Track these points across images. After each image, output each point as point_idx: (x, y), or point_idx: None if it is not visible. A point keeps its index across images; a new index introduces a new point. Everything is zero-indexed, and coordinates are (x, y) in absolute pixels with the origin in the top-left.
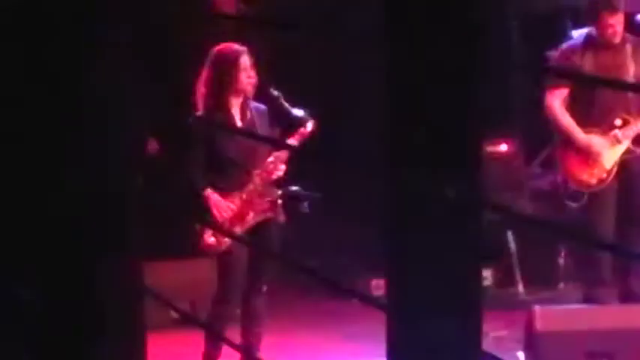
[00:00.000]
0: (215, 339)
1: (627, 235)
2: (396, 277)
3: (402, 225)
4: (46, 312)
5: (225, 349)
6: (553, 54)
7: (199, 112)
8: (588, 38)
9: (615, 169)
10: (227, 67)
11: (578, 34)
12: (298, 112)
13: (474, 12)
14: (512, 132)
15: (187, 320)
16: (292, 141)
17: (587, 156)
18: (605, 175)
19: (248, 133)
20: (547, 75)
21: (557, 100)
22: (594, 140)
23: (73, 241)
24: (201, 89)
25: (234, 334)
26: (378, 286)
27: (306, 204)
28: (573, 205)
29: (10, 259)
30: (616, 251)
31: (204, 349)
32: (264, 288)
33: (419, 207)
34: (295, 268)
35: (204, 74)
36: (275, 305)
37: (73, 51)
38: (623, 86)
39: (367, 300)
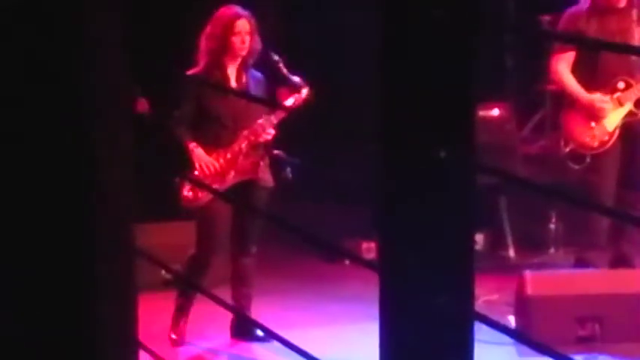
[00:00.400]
0: (186, 294)
1: (626, 198)
2: (389, 239)
3: (394, 187)
4: (39, 274)
5: (217, 310)
6: (546, 18)
7: (196, 68)
8: (594, 3)
9: (617, 132)
10: (222, 28)
11: None
12: (296, 79)
13: None
14: (504, 96)
15: (179, 281)
16: (285, 103)
17: (590, 117)
18: (606, 138)
19: (239, 92)
20: (542, 39)
21: (563, 64)
22: (596, 97)
23: (69, 207)
24: (202, 44)
25: (224, 294)
26: (369, 249)
27: (289, 170)
28: (575, 166)
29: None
30: (613, 215)
31: (177, 302)
32: (254, 249)
33: (411, 169)
34: (286, 228)
35: (207, 30)
36: (265, 267)
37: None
38: (624, 49)
39: (360, 261)
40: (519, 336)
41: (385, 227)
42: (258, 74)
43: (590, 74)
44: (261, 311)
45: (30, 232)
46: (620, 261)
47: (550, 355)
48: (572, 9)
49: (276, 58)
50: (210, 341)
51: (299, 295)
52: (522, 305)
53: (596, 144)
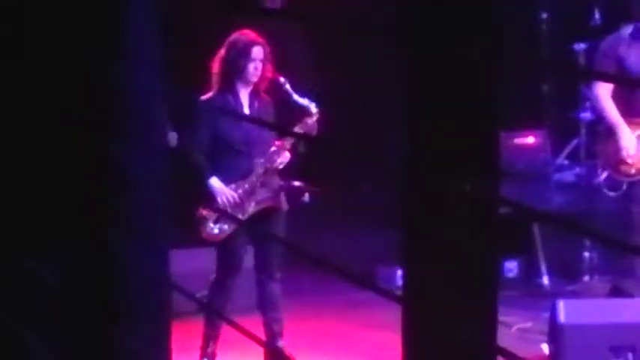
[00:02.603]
0: (213, 323)
1: None
2: (413, 270)
3: (418, 220)
4: (74, 297)
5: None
6: (584, 46)
7: (209, 93)
8: (636, 30)
9: None
10: (238, 54)
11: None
12: (304, 101)
13: (499, 6)
14: (540, 124)
15: (204, 308)
16: (297, 129)
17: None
18: None
19: (254, 119)
20: (574, 72)
21: (604, 90)
22: (635, 136)
23: (105, 226)
24: (215, 68)
25: (256, 324)
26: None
27: (307, 195)
28: (611, 194)
29: (37, 239)
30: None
31: (204, 330)
32: (278, 275)
33: (436, 202)
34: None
35: (221, 54)
36: (301, 294)
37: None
38: None
39: (382, 292)
40: None
41: (410, 259)
42: (267, 98)
43: (629, 102)
44: (296, 338)
45: (66, 261)
46: None
47: None
48: (614, 35)
49: (282, 80)
50: None
51: (335, 323)
52: (556, 333)
53: (633, 172)
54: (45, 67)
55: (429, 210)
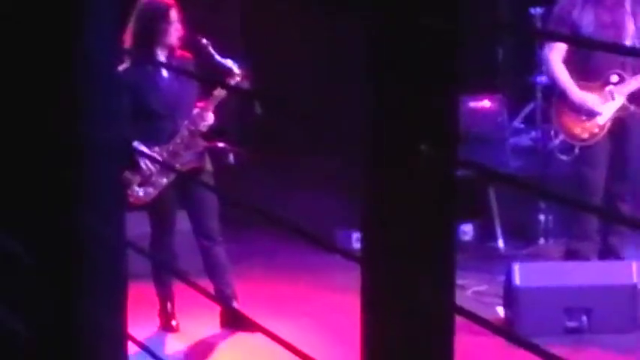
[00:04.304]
0: (163, 283)
1: (615, 190)
2: (371, 231)
3: (376, 182)
4: (34, 265)
5: (206, 302)
6: (540, 10)
7: (124, 64)
8: None
9: (608, 125)
10: (156, 19)
11: None
12: (227, 62)
13: None
14: (496, 88)
15: (164, 268)
16: (219, 92)
17: (581, 111)
18: (597, 130)
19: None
20: (534, 36)
21: (556, 54)
22: (589, 97)
23: (61, 194)
24: (127, 40)
25: (208, 287)
26: (359, 239)
27: (231, 156)
28: (564, 157)
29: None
30: (597, 212)
31: (157, 291)
32: (219, 237)
33: (396, 165)
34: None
35: (132, 25)
36: (256, 257)
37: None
38: (612, 49)
39: (341, 252)
40: (500, 331)
41: (367, 221)
42: (186, 56)
43: (583, 66)
44: (250, 301)
45: (18, 226)
46: (608, 252)
47: (531, 350)
48: None
49: (204, 42)
50: (200, 330)
51: (290, 284)
52: (511, 296)
53: (586, 136)
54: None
55: (388, 173)
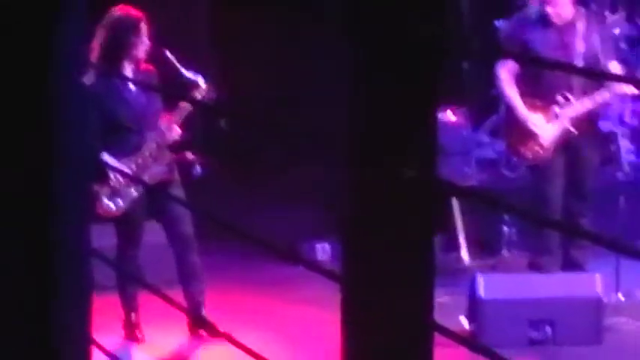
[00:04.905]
0: (128, 295)
1: (574, 208)
2: (350, 249)
3: (358, 204)
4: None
5: (172, 312)
6: (503, 24)
7: (92, 75)
8: (540, 13)
9: (553, 147)
10: (126, 32)
11: (534, 7)
12: (191, 75)
13: None
14: (460, 100)
15: (130, 279)
16: (185, 105)
17: (526, 130)
18: (540, 151)
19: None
20: (497, 55)
21: (506, 72)
22: (532, 117)
23: (26, 203)
24: (95, 52)
25: (177, 297)
26: (323, 250)
27: (198, 167)
28: (509, 174)
29: None
30: (558, 228)
31: (122, 301)
32: (195, 245)
33: (375, 187)
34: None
35: (100, 35)
36: (224, 268)
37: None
38: (560, 68)
39: (319, 270)
40: (475, 346)
41: (348, 242)
42: (150, 70)
43: (533, 83)
44: (217, 311)
45: None
46: (571, 265)
47: None
48: (520, 16)
49: (169, 56)
50: (165, 340)
51: (255, 296)
52: (475, 308)
53: (529, 155)
54: None
55: (367, 190)
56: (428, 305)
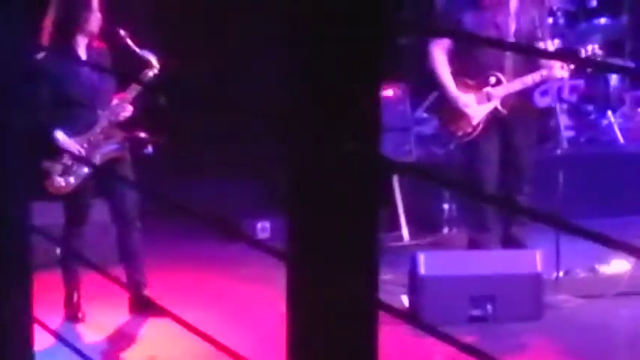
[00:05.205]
0: (70, 273)
1: (512, 184)
2: (295, 228)
3: (302, 180)
4: None
5: (116, 291)
6: (440, 1)
7: (45, 49)
8: None
9: (482, 126)
10: (78, 7)
11: None
12: (145, 53)
13: None
14: (399, 76)
15: (73, 256)
16: (135, 85)
17: (457, 109)
18: (470, 129)
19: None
20: (431, 32)
21: (439, 50)
22: (462, 96)
23: None
24: (48, 26)
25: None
26: (263, 229)
27: (149, 147)
28: (438, 151)
29: None
30: (498, 203)
31: (64, 278)
32: (138, 224)
33: (320, 162)
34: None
35: (53, 11)
36: (166, 246)
37: None
38: (494, 45)
39: (265, 248)
40: (419, 323)
41: (292, 220)
42: (103, 47)
43: (465, 63)
44: (159, 288)
45: None
46: (511, 242)
47: (441, 339)
48: None
49: (122, 33)
50: (108, 319)
51: (198, 273)
52: (416, 285)
53: (460, 133)
54: None
55: (309, 165)
56: (373, 282)
